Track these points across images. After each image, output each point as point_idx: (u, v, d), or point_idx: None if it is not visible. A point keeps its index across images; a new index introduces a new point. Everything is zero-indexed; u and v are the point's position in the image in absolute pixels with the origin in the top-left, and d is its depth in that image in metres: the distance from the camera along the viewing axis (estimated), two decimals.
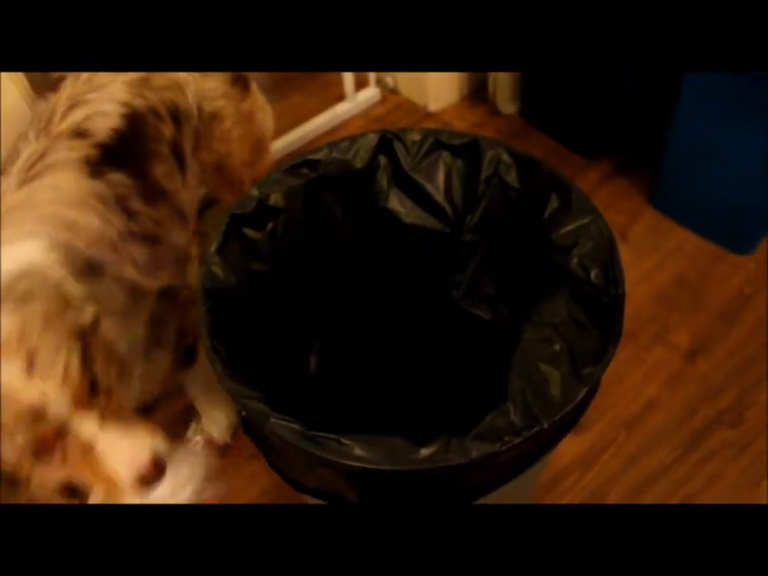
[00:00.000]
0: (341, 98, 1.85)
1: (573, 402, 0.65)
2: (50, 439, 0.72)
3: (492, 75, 1.81)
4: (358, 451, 0.62)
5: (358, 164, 0.91)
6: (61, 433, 0.73)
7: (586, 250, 0.78)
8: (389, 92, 1.93)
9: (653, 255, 1.50)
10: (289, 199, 0.88)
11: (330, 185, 0.91)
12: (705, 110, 1.34)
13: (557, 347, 0.72)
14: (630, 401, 1.28)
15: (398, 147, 0.92)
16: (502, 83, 1.79)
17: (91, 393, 0.76)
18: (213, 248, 0.81)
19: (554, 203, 0.84)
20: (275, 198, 0.87)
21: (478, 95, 1.90)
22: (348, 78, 1.81)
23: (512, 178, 0.88)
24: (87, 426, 0.74)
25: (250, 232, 0.85)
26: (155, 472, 0.77)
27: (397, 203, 0.95)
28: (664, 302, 1.43)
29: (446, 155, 0.91)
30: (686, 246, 1.52)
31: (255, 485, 1.22)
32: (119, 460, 0.75)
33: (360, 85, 1.87)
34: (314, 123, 1.79)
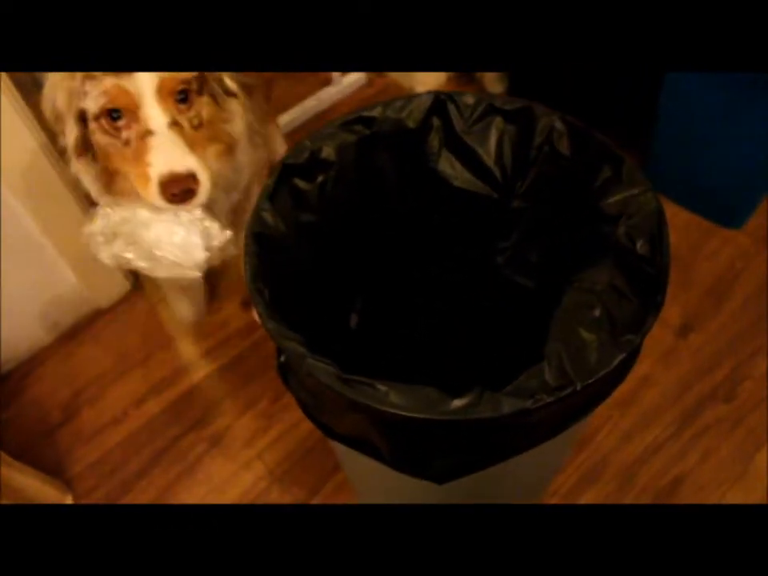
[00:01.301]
0: (327, 82, 1.84)
1: (608, 366, 0.65)
2: (123, 105, 0.83)
3: None
4: (391, 397, 0.63)
5: (411, 124, 0.91)
6: (134, 107, 0.83)
7: (634, 220, 0.78)
8: (375, 75, 1.91)
9: None
10: (341, 154, 0.88)
11: (383, 143, 0.91)
12: (692, 86, 1.34)
13: (596, 313, 0.72)
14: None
15: (452, 109, 0.91)
16: None
17: (179, 102, 0.86)
18: (264, 195, 0.81)
19: (605, 173, 0.83)
20: (327, 152, 0.87)
21: (465, 75, 1.89)
22: None
23: (564, 146, 0.87)
24: (154, 115, 0.83)
25: (300, 183, 0.85)
26: (180, 186, 0.84)
27: (447, 166, 0.94)
28: None
29: (498, 120, 0.90)
30: (677, 221, 1.52)
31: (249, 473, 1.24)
32: (160, 156, 0.83)
33: None
34: (300, 108, 1.78)
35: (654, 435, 1.24)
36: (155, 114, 0.84)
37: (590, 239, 0.82)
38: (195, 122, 0.89)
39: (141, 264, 0.93)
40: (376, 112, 0.89)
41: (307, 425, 0.78)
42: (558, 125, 0.87)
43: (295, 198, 0.85)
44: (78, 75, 0.85)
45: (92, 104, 0.85)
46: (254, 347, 1.42)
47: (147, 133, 0.84)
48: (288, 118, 1.75)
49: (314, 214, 0.87)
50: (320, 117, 1.81)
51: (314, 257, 0.89)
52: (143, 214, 0.90)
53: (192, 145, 0.87)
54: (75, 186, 1.28)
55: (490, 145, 0.91)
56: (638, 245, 0.75)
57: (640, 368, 1.30)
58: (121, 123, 0.86)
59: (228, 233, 0.94)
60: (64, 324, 1.47)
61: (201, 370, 1.40)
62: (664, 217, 0.76)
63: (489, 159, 0.92)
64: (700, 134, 1.40)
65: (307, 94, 1.82)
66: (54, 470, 1.27)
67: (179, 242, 0.90)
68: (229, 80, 0.95)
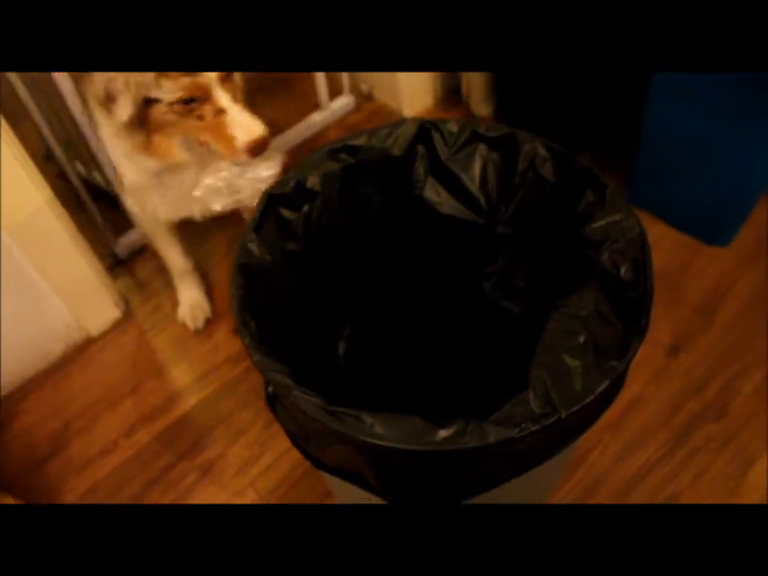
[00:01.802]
0: (315, 106, 1.85)
1: (593, 393, 0.66)
2: (198, 94, 1.03)
3: (465, 77, 1.82)
4: (376, 428, 0.63)
5: (396, 152, 0.92)
6: (206, 95, 1.03)
7: (617, 245, 0.79)
8: (363, 99, 1.93)
9: None
10: (326, 183, 0.89)
11: (368, 171, 0.92)
12: (675, 106, 1.36)
13: (581, 339, 0.73)
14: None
15: (436, 137, 0.92)
16: (475, 85, 1.80)
17: (226, 77, 1.05)
18: (250, 226, 0.83)
19: (588, 198, 0.84)
20: (312, 181, 0.88)
21: (452, 98, 1.91)
22: (322, 86, 1.81)
23: (548, 172, 0.89)
24: (223, 98, 1.04)
25: (286, 212, 0.87)
26: (260, 146, 1.05)
27: (433, 193, 0.96)
28: None
29: (482, 147, 0.92)
30: (664, 240, 1.53)
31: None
32: (240, 128, 1.04)
33: (334, 93, 1.87)
34: (289, 134, 1.79)
35: (647, 455, 1.24)
36: (223, 96, 1.04)
37: (574, 264, 0.82)
38: (238, 93, 1.09)
39: (243, 200, 1.16)
40: (361, 140, 0.91)
41: (298, 452, 0.78)
42: (542, 151, 0.88)
43: (281, 228, 0.86)
44: (151, 73, 1.02)
45: (168, 95, 1.03)
46: (245, 373, 1.41)
47: (220, 111, 1.04)
48: (276, 144, 1.76)
49: (301, 243, 0.88)
50: (309, 141, 1.82)
51: (301, 285, 0.89)
52: (235, 169, 1.12)
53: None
54: (67, 225, 1.30)
55: (474, 171, 0.93)
56: (622, 270, 0.76)
57: (631, 388, 1.31)
58: (193, 105, 1.04)
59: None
60: (54, 353, 1.47)
61: (192, 398, 1.39)
62: (647, 242, 0.77)
63: (473, 186, 0.93)
64: (684, 152, 1.41)
65: (296, 119, 1.83)
66: (44, 501, 1.26)
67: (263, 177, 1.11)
68: None
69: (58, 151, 1.46)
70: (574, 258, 0.83)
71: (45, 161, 1.60)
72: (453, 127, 0.92)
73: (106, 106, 1.08)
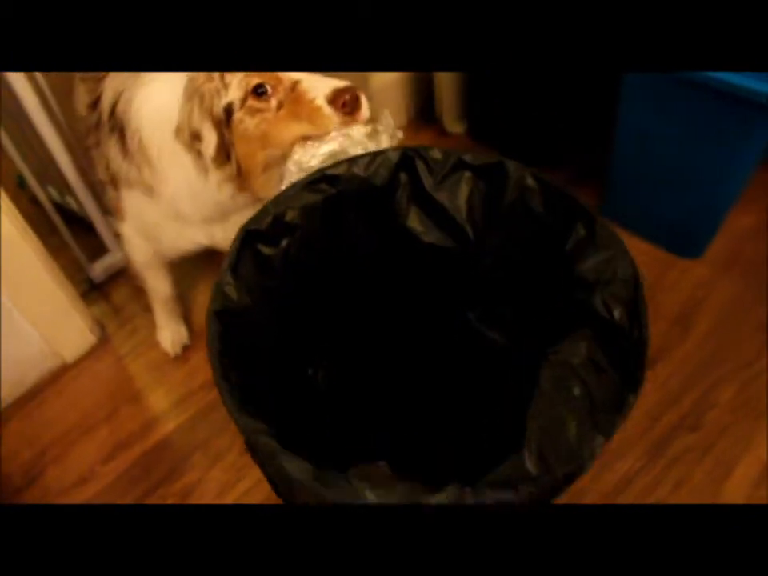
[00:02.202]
0: None
1: (590, 452, 0.64)
2: (265, 77, 0.93)
3: (438, 96, 1.83)
4: (368, 495, 0.60)
5: (378, 181, 0.89)
6: (277, 80, 0.93)
7: (611, 287, 0.76)
8: None
9: None
10: (305, 215, 0.86)
11: (349, 202, 0.89)
12: (645, 122, 1.38)
13: (575, 391, 0.71)
14: None
15: (420, 165, 0.90)
16: (448, 103, 1.81)
17: None
18: (225, 265, 0.78)
19: (579, 233, 0.81)
20: (291, 215, 0.85)
21: (424, 116, 1.92)
22: None
23: (536, 203, 0.86)
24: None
25: (264, 248, 0.84)
26: (350, 98, 0.92)
27: (416, 222, 0.93)
28: None
29: (468, 176, 0.89)
30: (637, 253, 1.51)
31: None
32: (318, 88, 0.92)
33: None
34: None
35: (626, 467, 1.24)
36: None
37: (566, 306, 0.80)
38: None
39: None
40: (341, 169, 0.88)
41: None
42: (530, 181, 0.86)
43: (259, 265, 0.83)
44: (216, 76, 0.95)
45: (237, 92, 0.94)
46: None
47: (295, 83, 0.93)
48: None
49: (280, 279, 0.85)
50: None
51: (280, 322, 0.87)
52: (326, 147, 0.94)
53: None
54: (40, 252, 1.29)
55: (460, 201, 0.90)
56: (616, 315, 0.74)
57: None
58: (268, 94, 0.94)
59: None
60: (28, 381, 1.45)
61: (169, 423, 1.38)
62: (640, 283, 0.75)
63: (459, 215, 0.91)
64: (656, 165, 1.43)
65: None
66: None
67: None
68: None
69: (30, 177, 1.44)
70: (566, 300, 0.81)
71: (18, 188, 1.60)
72: (437, 155, 0.89)
73: (193, 146, 1.00)
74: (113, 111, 1.09)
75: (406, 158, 0.90)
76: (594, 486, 1.21)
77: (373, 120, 0.96)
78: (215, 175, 1.02)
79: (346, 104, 0.91)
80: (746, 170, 1.36)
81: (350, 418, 1.01)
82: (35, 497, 1.30)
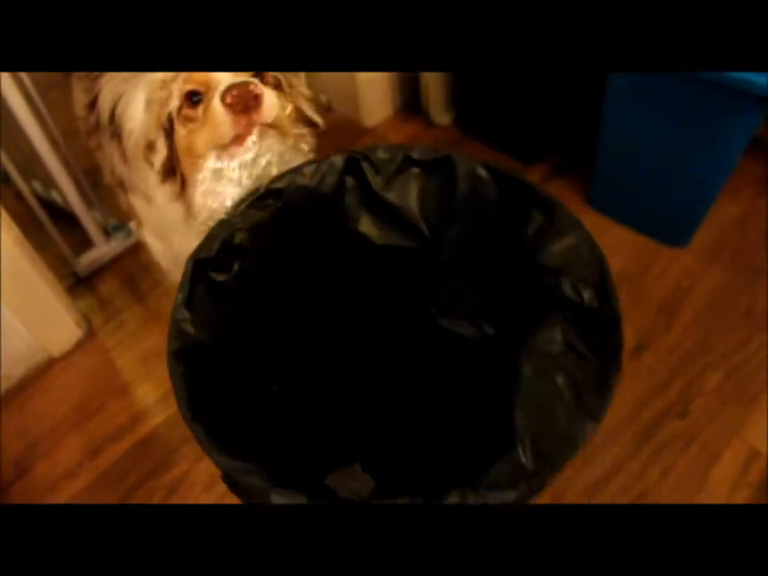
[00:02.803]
0: None
1: (583, 437, 0.63)
2: (199, 86, 0.87)
3: (424, 87, 1.83)
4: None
5: (326, 189, 0.87)
6: (209, 88, 0.86)
7: (577, 271, 0.75)
8: (323, 110, 1.93)
9: None
10: (254, 236, 0.82)
11: (297, 214, 0.86)
12: (630, 111, 1.38)
13: (558, 381, 0.70)
14: None
15: (366, 167, 0.87)
16: (434, 94, 1.81)
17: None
18: (179, 300, 0.74)
19: (537, 220, 0.80)
20: (240, 237, 0.81)
21: (411, 108, 1.92)
22: None
23: (490, 193, 0.84)
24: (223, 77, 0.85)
25: (216, 276, 0.79)
26: (241, 95, 0.82)
27: (368, 225, 0.90)
28: None
29: (417, 172, 0.87)
30: (624, 243, 1.55)
31: None
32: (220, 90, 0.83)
33: None
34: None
35: (613, 454, 1.24)
36: (221, 75, 0.86)
37: (534, 293, 0.79)
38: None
39: None
40: (284, 182, 0.85)
41: None
42: (482, 172, 0.84)
43: (213, 293, 0.79)
44: (168, 81, 0.90)
45: (176, 100, 0.89)
46: None
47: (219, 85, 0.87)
48: None
49: (235, 304, 0.81)
50: None
51: (241, 346, 0.83)
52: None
53: None
54: (24, 247, 1.28)
55: (410, 199, 0.88)
56: (586, 297, 0.73)
57: None
58: (200, 104, 0.87)
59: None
60: (15, 376, 1.44)
61: (157, 416, 1.37)
62: (606, 264, 0.74)
63: (411, 214, 0.89)
64: (642, 155, 1.44)
65: None
66: None
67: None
68: None
69: (14, 171, 1.43)
70: (534, 287, 0.80)
71: (3, 183, 1.58)
72: (383, 154, 0.86)
73: (149, 159, 0.94)
74: (112, 115, 1.04)
75: (351, 162, 0.87)
76: (582, 473, 1.22)
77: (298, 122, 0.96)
78: (161, 193, 0.97)
79: (233, 102, 0.83)
80: (732, 158, 1.37)
81: (326, 427, 0.99)
82: (24, 489, 1.30)
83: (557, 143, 1.73)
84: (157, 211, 1.07)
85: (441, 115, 1.84)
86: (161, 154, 0.92)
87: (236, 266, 0.82)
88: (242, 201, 0.84)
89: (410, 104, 1.92)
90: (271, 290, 0.87)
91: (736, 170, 1.45)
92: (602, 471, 1.22)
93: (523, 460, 0.63)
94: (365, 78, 1.79)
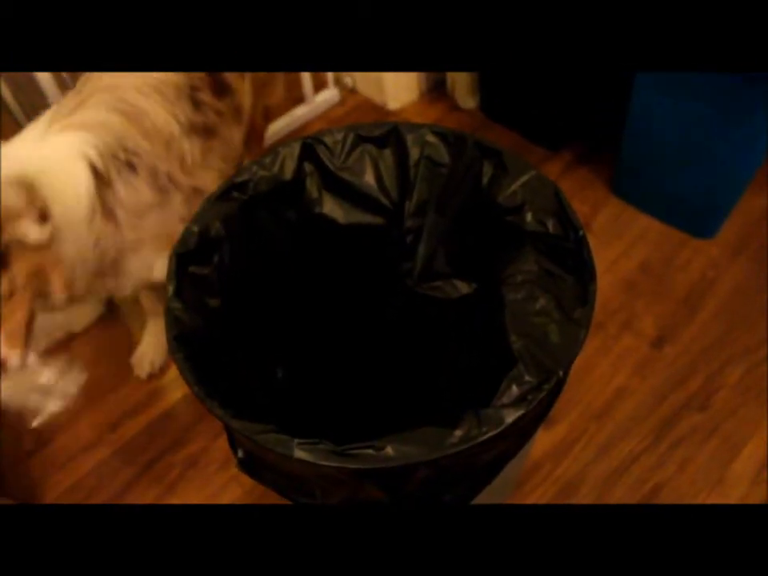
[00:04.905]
0: (299, 100, 1.84)
1: (577, 345, 0.67)
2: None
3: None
4: (391, 451, 0.61)
5: (286, 176, 0.90)
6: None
7: (536, 204, 0.80)
8: (348, 92, 1.92)
9: (617, 244, 1.52)
10: (228, 226, 0.85)
11: (263, 203, 0.89)
12: (657, 99, 1.36)
13: (543, 301, 0.75)
14: (599, 391, 1.30)
15: (322, 150, 0.91)
16: (460, 79, 1.79)
17: None
18: (170, 292, 0.78)
19: (489, 170, 0.85)
20: (215, 229, 0.84)
21: (437, 91, 1.90)
22: (306, 79, 1.80)
23: (440, 155, 0.89)
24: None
25: (197, 269, 0.82)
26: None
27: (331, 207, 0.94)
28: (630, 290, 1.44)
29: (369, 148, 0.91)
30: (649, 233, 1.53)
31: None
32: None
33: (319, 86, 1.86)
34: (273, 127, 1.78)
35: (630, 446, 1.24)
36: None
37: (501, 234, 0.84)
38: None
39: None
40: (248, 174, 0.88)
41: None
42: (430, 137, 0.89)
43: (198, 286, 0.82)
44: None
45: None
46: None
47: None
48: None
49: (219, 296, 0.84)
50: (294, 134, 1.81)
51: (231, 337, 0.85)
52: None
53: None
54: None
55: (367, 175, 0.92)
56: (549, 226, 0.78)
57: (616, 379, 1.31)
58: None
59: None
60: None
61: (175, 393, 1.38)
62: (561, 193, 0.79)
63: (371, 189, 0.93)
64: (669, 142, 1.41)
65: (280, 113, 1.82)
66: (27, 497, 1.25)
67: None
68: None
69: None
70: (499, 229, 0.84)
71: None
72: (337, 136, 0.91)
73: None
74: None
75: (306, 147, 0.91)
76: (596, 466, 1.21)
77: None
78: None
79: None
80: (762, 149, 1.34)
81: (332, 406, 1.02)
82: (43, 461, 1.31)
83: (582, 130, 1.71)
84: None
85: (466, 99, 1.83)
86: None
87: (216, 258, 0.85)
88: (211, 195, 0.87)
89: (436, 88, 1.90)
90: (251, 279, 0.91)
91: (766, 162, 1.42)
92: (618, 463, 1.22)
93: (527, 377, 0.67)
94: None
